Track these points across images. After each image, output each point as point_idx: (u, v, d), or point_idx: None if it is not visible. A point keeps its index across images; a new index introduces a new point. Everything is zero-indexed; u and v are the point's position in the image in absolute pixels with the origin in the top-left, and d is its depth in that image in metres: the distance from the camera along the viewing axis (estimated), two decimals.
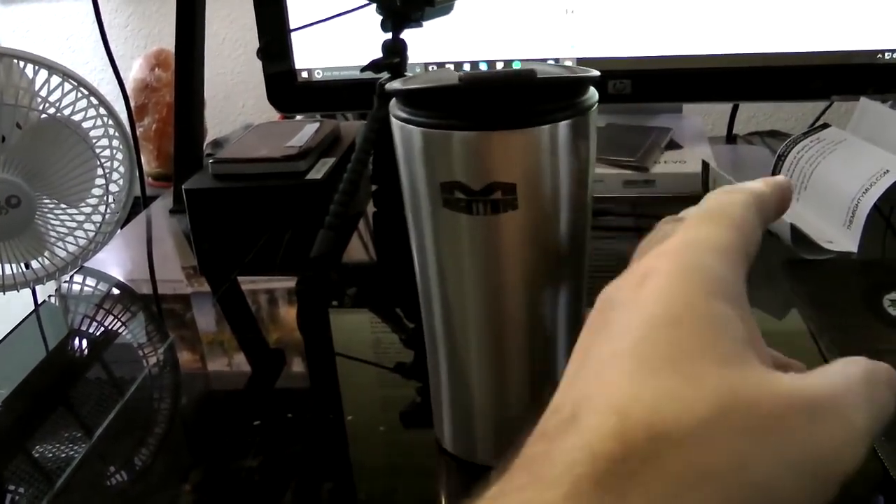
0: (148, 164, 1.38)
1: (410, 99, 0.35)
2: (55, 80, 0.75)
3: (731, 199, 0.29)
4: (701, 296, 0.25)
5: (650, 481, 0.21)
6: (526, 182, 0.33)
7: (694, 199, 0.80)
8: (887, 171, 0.62)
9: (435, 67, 0.84)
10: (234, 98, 1.55)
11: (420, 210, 0.36)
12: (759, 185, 0.30)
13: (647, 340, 0.24)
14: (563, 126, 0.33)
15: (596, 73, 0.35)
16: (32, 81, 0.75)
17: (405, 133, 0.35)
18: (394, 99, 0.36)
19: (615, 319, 0.25)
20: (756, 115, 1.32)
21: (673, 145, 0.83)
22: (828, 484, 0.23)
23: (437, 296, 0.39)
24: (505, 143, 0.33)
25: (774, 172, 0.73)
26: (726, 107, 1.03)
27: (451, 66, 0.84)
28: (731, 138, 1.02)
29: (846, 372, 0.25)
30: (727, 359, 0.23)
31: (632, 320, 0.25)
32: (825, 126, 0.74)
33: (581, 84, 0.35)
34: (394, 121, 0.35)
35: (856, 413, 0.24)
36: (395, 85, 0.35)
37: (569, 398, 0.24)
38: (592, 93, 0.35)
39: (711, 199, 0.29)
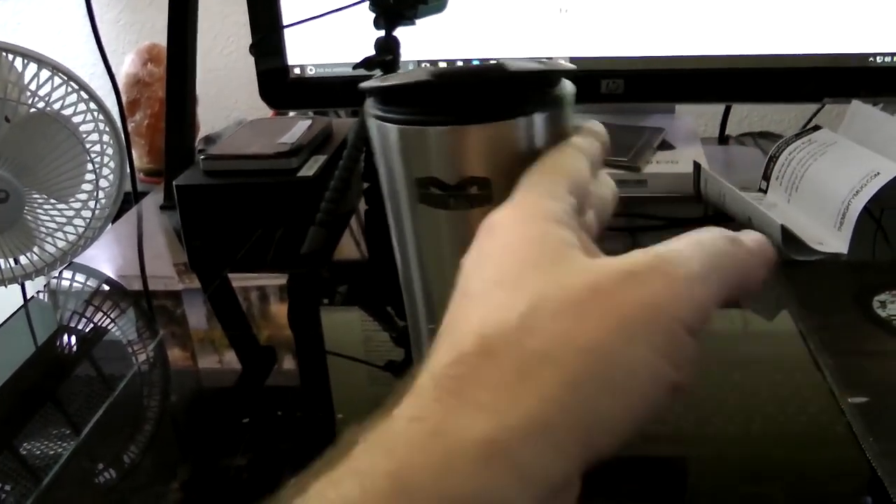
0: (139, 159, 1.37)
1: (384, 96, 0.35)
2: (45, 73, 0.74)
3: (557, 158, 0.31)
4: (528, 222, 0.27)
5: (486, 375, 0.22)
6: (500, 176, 0.33)
7: (685, 200, 0.81)
8: (878, 173, 0.63)
9: (428, 65, 0.84)
10: (227, 94, 1.55)
11: (399, 206, 0.36)
12: (579, 138, 0.33)
13: (478, 274, 0.26)
14: (536, 119, 0.33)
15: (570, 66, 0.35)
16: (22, 75, 0.74)
17: (381, 130, 0.35)
18: (370, 97, 0.36)
19: (464, 267, 0.27)
20: (748, 116, 1.33)
21: (665, 146, 0.83)
22: (673, 338, 0.23)
23: (420, 292, 0.39)
24: (477, 137, 0.33)
25: (766, 173, 0.74)
26: (719, 108, 1.03)
27: (444, 64, 0.84)
28: (723, 139, 1.02)
29: (669, 242, 0.26)
30: (549, 260, 0.25)
31: (472, 263, 0.27)
32: (817, 128, 0.74)
33: (552, 76, 0.35)
34: (369, 119, 0.36)
35: (681, 265, 0.24)
36: (370, 83, 0.35)
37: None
38: (566, 84, 0.35)
39: (543, 160, 0.31)
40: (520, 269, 0.25)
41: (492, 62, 0.33)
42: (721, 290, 0.25)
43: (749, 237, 0.27)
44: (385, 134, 0.35)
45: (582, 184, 0.30)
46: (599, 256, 0.27)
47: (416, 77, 0.34)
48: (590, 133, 0.34)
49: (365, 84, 0.35)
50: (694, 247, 0.25)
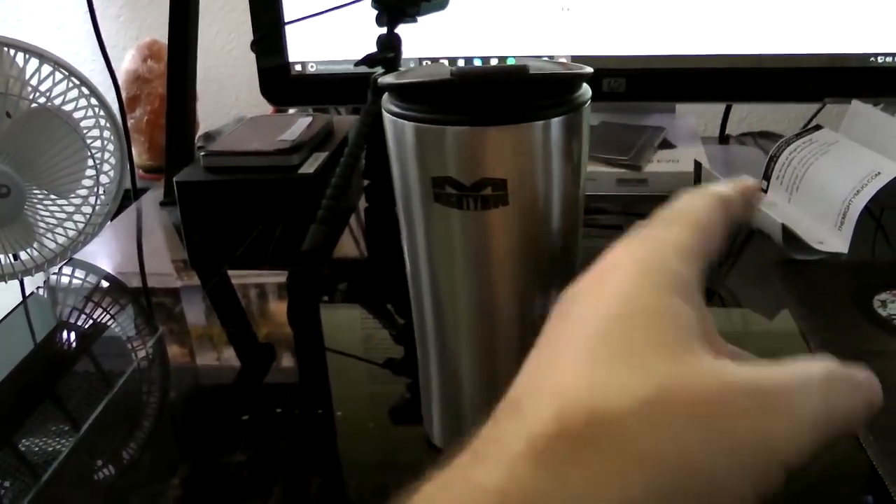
0: (139, 156, 1.37)
1: (403, 93, 0.35)
2: (46, 68, 0.74)
3: (695, 199, 0.30)
4: (656, 291, 0.25)
5: (588, 461, 0.21)
6: (517, 178, 0.33)
7: None
8: (878, 173, 0.63)
9: (429, 63, 0.84)
10: (227, 91, 1.55)
11: (411, 205, 0.36)
12: (725, 186, 0.31)
13: (598, 332, 0.25)
14: (555, 123, 0.33)
15: (589, 69, 0.35)
16: (23, 70, 0.74)
17: (397, 128, 0.35)
18: (386, 93, 0.36)
19: (574, 312, 0.26)
20: (749, 116, 1.32)
21: (666, 145, 0.83)
22: (769, 475, 0.23)
23: (428, 291, 0.39)
24: (496, 138, 0.33)
25: (766, 173, 0.74)
26: (719, 107, 1.03)
27: (446, 62, 0.84)
28: (723, 139, 1.02)
29: (803, 367, 0.25)
30: (675, 348, 0.24)
31: (588, 313, 0.25)
32: (818, 127, 0.74)
33: (574, 81, 0.35)
34: (386, 115, 0.35)
35: (805, 408, 0.24)
36: (388, 79, 0.35)
37: (521, 386, 0.25)
38: (585, 90, 0.35)
39: (677, 201, 0.30)
40: (642, 346, 0.24)
41: (513, 63, 0.33)
42: (827, 436, 0.24)
43: (862, 375, 0.26)
44: (401, 131, 0.35)
45: (717, 243, 0.29)
46: (717, 345, 0.26)
47: (435, 75, 0.34)
48: (741, 188, 0.32)
49: (383, 80, 0.35)
50: (819, 386, 0.24)
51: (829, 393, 0.24)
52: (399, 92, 0.35)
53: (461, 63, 0.84)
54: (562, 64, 0.36)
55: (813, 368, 0.25)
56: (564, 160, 0.34)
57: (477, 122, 0.32)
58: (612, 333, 0.24)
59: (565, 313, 0.26)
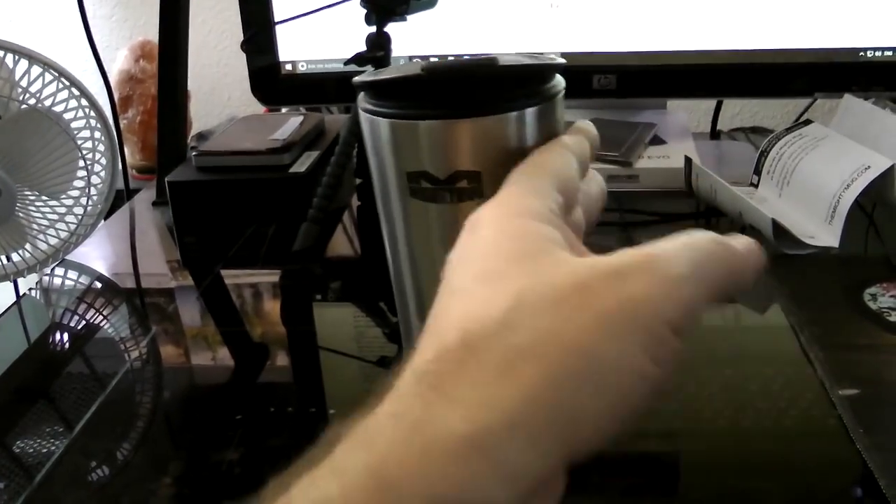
0: (132, 156, 1.37)
1: (375, 91, 0.35)
2: (36, 70, 0.74)
3: (545, 156, 0.32)
4: (513, 220, 0.27)
5: (467, 370, 0.22)
6: (491, 170, 0.33)
7: (677, 195, 0.81)
8: (869, 167, 0.63)
9: (420, 60, 0.84)
10: (220, 90, 1.54)
11: (390, 201, 0.36)
12: (568, 137, 0.33)
13: (464, 267, 0.26)
14: (528, 114, 0.33)
15: (561, 61, 0.35)
16: (13, 71, 0.74)
17: (373, 125, 0.35)
18: (361, 92, 0.36)
19: (449, 263, 0.27)
20: (740, 112, 1.33)
21: (657, 141, 0.84)
22: (658, 339, 0.23)
23: (410, 286, 0.39)
24: (468, 131, 0.33)
25: (757, 168, 0.74)
26: (710, 104, 1.04)
27: (436, 60, 0.84)
28: (714, 134, 1.02)
29: (663, 241, 0.26)
30: (533, 258, 0.25)
31: (456, 259, 0.27)
32: (808, 122, 0.74)
33: (545, 72, 0.35)
34: (361, 113, 0.36)
35: (668, 265, 0.24)
36: (361, 78, 0.35)
37: None
38: (558, 81, 0.35)
39: (532, 158, 0.32)
40: (503, 265, 0.25)
41: (483, 57, 0.33)
42: (709, 291, 0.25)
43: (738, 240, 0.27)
44: (376, 128, 0.35)
45: (569, 181, 0.30)
46: (586, 255, 0.27)
47: (407, 71, 0.34)
48: (579, 131, 0.34)
49: (357, 78, 0.35)
50: (682, 248, 0.25)
51: (696, 252, 0.25)
52: (372, 90, 0.35)
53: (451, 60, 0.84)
54: (533, 56, 0.36)
55: (676, 238, 0.26)
56: None
57: (448, 116, 0.33)
58: (475, 263, 0.26)
59: (449, 268, 0.27)
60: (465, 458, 0.21)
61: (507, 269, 0.25)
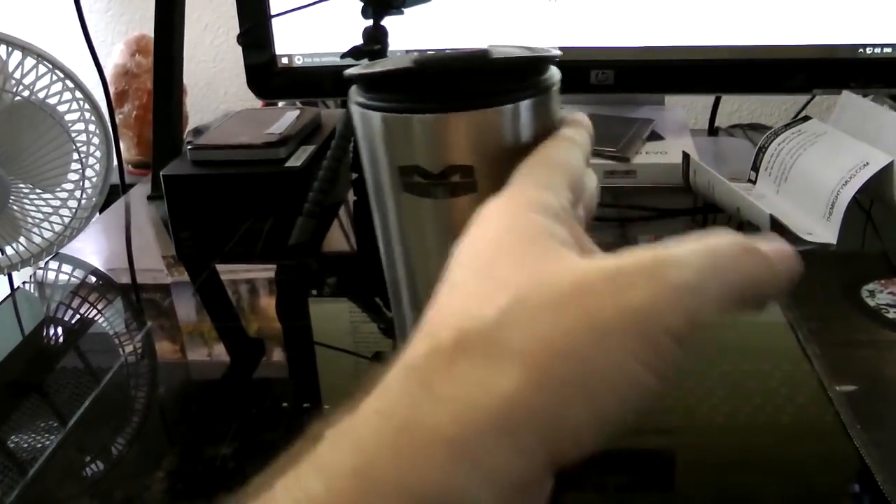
0: (128, 151, 1.37)
1: (367, 84, 0.35)
2: (30, 61, 0.74)
3: (555, 150, 0.31)
4: (521, 215, 0.26)
5: (457, 368, 0.22)
6: (484, 164, 0.33)
7: (674, 191, 0.80)
8: (867, 163, 0.63)
9: (413, 54, 0.83)
10: (216, 85, 1.54)
11: (382, 195, 0.36)
12: (569, 129, 0.33)
13: (466, 263, 0.26)
14: (522, 107, 0.33)
15: (556, 53, 0.34)
16: (6, 63, 0.74)
17: (364, 118, 0.35)
18: (353, 85, 0.36)
19: (452, 256, 0.27)
20: (738, 109, 1.33)
21: (655, 136, 0.83)
22: (654, 346, 0.22)
23: (404, 281, 0.38)
24: (460, 124, 0.32)
25: (755, 164, 0.74)
26: (708, 101, 1.03)
27: (428, 53, 0.83)
28: (712, 131, 1.02)
29: (681, 244, 0.24)
30: (537, 257, 0.25)
31: (459, 253, 0.27)
32: (806, 118, 0.74)
33: (538, 64, 0.34)
34: (353, 107, 0.35)
35: (676, 272, 0.23)
36: (353, 71, 0.35)
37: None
38: (553, 73, 0.35)
39: (539, 152, 0.31)
40: (505, 263, 0.25)
41: (476, 49, 0.33)
42: (721, 299, 0.24)
43: (769, 245, 0.25)
44: (368, 122, 0.34)
45: (578, 177, 0.30)
46: (594, 254, 0.26)
47: (399, 64, 0.34)
48: (578, 124, 0.33)
49: (349, 71, 0.35)
50: (695, 253, 0.24)
51: (714, 259, 0.24)
52: (363, 83, 0.35)
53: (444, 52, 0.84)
54: (527, 48, 0.35)
55: (693, 242, 0.25)
56: (532, 146, 0.34)
57: (441, 109, 0.32)
58: (478, 258, 0.26)
59: (451, 262, 0.27)
60: (450, 459, 0.21)
61: (508, 268, 0.25)
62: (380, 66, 0.35)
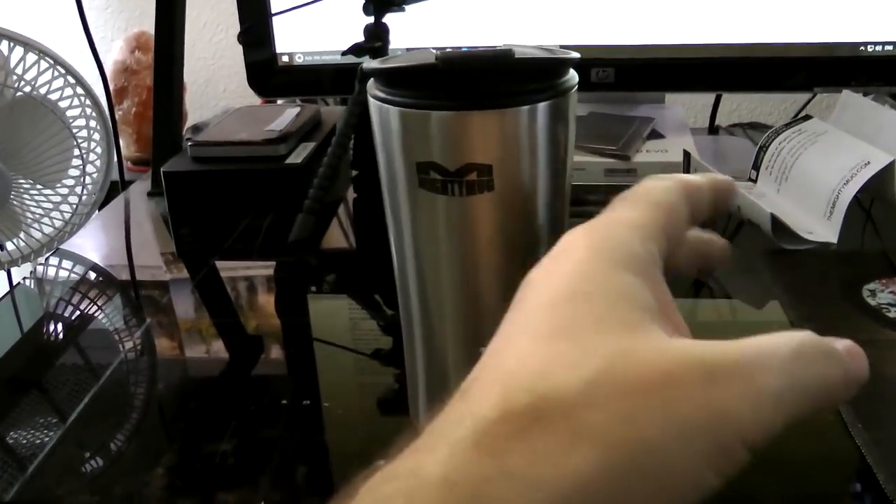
0: (127, 147, 1.36)
1: (388, 78, 0.35)
2: (31, 57, 0.73)
3: (656, 183, 0.29)
4: (608, 268, 0.25)
5: (531, 441, 0.21)
6: (502, 164, 0.33)
7: None
8: (868, 162, 0.63)
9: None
10: (216, 83, 1.54)
11: (397, 191, 0.36)
12: (695, 177, 0.31)
13: (546, 313, 0.24)
14: (541, 108, 0.33)
15: (576, 55, 0.34)
16: (7, 59, 0.73)
17: (382, 113, 0.35)
18: (371, 79, 0.36)
19: (528, 296, 0.26)
20: (739, 108, 1.33)
21: (655, 135, 0.83)
22: (728, 453, 0.22)
23: (414, 278, 0.38)
24: (481, 123, 0.32)
25: (756, 163, 0.74)
26: (709, 100, 1.03)
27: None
28: (713, 129, 1.02)
29: (768, 339, 0.24)
30: (624, 325, 0.23)
31: (540, 295, 0.25)
32: (807, 117, 0.74)
33: (560, 66, 0.34)
34: (371, 101, 0.35)
35: (766, 380, 0.22)
36: (373, 65, 0.35)
37: (471, 375, 0.24)
38: (572, 75, 0.35)
39: (639, 184, 0.30)
40: (590, 324, 0.23)
41: (499, 48, 0.33)
42: (799, 410, 0.23)
43: (843, 345, 0.25)
44: (386, 117, 0.34)
45: (677, 225, 0.28)
46: (677, 327, 0.25)
47: (421, 60, 0.33)
48: (710, 179, 0.31)
49: (368, 65, 0.35)
50: (786, 358, 0.23)
51: (797, 364, 0.23)
52: (384, 77, 0.35)
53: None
54: (548, 49, 0.35)
55: (778, 339, 0.24)
56: (550, 146, 0.34)
57: (462, 107, 0.32)
58: (560, 313, 0.24)
59: (521, 298, 0.26)
60: None
61: (593, 332, 0.23)
62: (399, 61, 0.35)
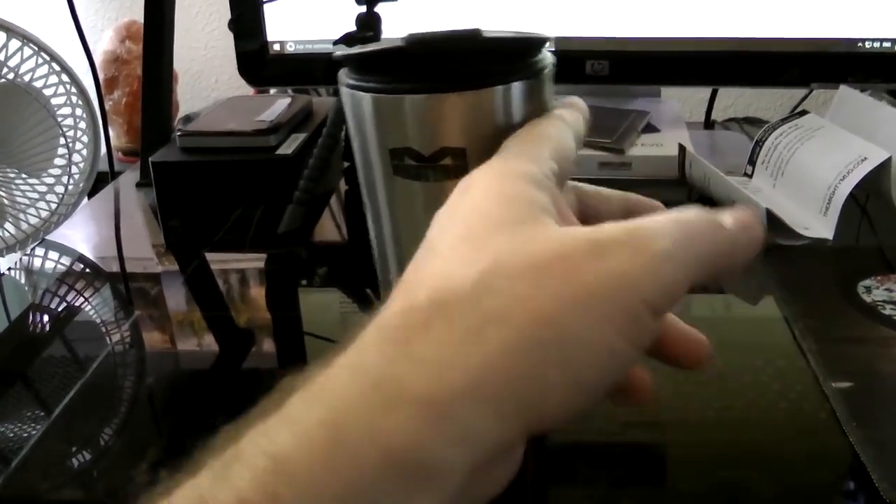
0: (117, 138, 1.35)
1: (358, 65, 0.34)
2: (14, 43, 0.72)
3: (542, 122, 0.31)
4: (504, 182, 0.26)
5: (435, 330, 0.22)
6: (476, 147, 0.32)
7: (670, 183, 0.80)
8: (864, 158, 0.62)
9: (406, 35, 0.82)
10: (207, 73, 1.53)
11: (373, 179, 0.35)
12: (561, 110, 0.33)
13: (447, 226, 0.26)
14: (514, 88, 0.32)
15: (547, 36, 0.34)
16: None
17: (355, 100, 0.34)
18: (343, 67, 0.35)
19: (431, 230, 0.27)
20: (735, 103, 1.32)
21: (650, 129, 0.83)
22: (633, 319, 0.23)
23: (394, 266, 0.38)
24: (452, 105, 0.32)
25: (752, 158, 0.73)
26: (704, 94, 1.03)
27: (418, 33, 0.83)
28: (709, 124, 1.01)
29: (655, 217, 0.25)
30: (517, 223, 0.25)
31: (441, 221, 0.27)
32: (804, 113, 0.73)
33: (530, 46, 0.34)
34: (343, 89, 0.35)
35: (652, 241, 0.23)
36: (342, 52, 0.34)
37: None
38: (545, 56, 0.34)
39: (526, 126, 0.31)
40: (486, 227, 0.25)
41: (467, 29, 0.32)
42: (694, 270, 0.24)
43: (734, 216, 0.26)
44: (358, 104, 0.34)
45: (565, 152, 0.30)
46: (573, 224, 0.27)
47: (390, 44, 0.33)
48: (573, 105, 0.33)
49: (338, 53, 0.34)
50: (670, 224, 0.24)
51: (683, 227, 0.24)
52: (354, 63, 0.34)
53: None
54: (518, 32, 0.35)
55: (665, 215, 0.25)
56: None
57: (433, 90, 0.32)
58: (459, 224, 0.26)
59: (433, 227, 0.27)
60: (423, 418, 0.21)
61: (489, 233, 0.24)
62: (369, 47, 0.35)
